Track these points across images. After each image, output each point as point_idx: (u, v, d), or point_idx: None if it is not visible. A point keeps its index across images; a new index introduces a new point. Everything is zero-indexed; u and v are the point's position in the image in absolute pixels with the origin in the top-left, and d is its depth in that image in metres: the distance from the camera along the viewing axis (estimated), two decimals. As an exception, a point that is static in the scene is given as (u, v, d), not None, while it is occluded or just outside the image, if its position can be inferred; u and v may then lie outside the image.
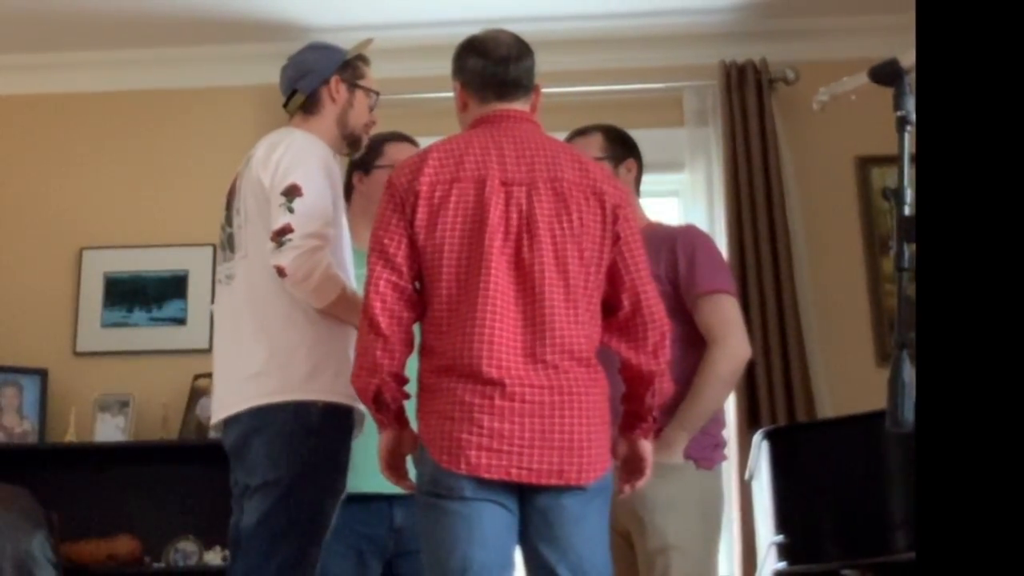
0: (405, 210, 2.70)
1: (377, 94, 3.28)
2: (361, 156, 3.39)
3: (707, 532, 3.34)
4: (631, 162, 3.54)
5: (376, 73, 3.34)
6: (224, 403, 3.02)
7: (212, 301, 5.07)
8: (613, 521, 3.24)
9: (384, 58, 3.34)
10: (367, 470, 2.99)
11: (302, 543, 2.88)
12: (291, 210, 2.88)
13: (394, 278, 2.67)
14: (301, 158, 2.98)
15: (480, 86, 2.86)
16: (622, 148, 3.55)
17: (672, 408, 3.25)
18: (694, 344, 3.34)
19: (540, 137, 2.83)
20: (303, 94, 3.19)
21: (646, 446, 2.90)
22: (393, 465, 2.78)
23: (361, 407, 2.95)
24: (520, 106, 2.87)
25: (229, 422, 2.99)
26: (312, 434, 2.89)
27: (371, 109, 3.27)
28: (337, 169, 3.08)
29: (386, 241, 2.69)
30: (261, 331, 2.96)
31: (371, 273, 2.68)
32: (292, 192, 2.90)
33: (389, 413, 2.70)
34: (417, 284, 2.73)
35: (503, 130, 2.80)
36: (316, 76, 3.19)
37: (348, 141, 3.24)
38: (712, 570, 3.35)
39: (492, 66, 2.84)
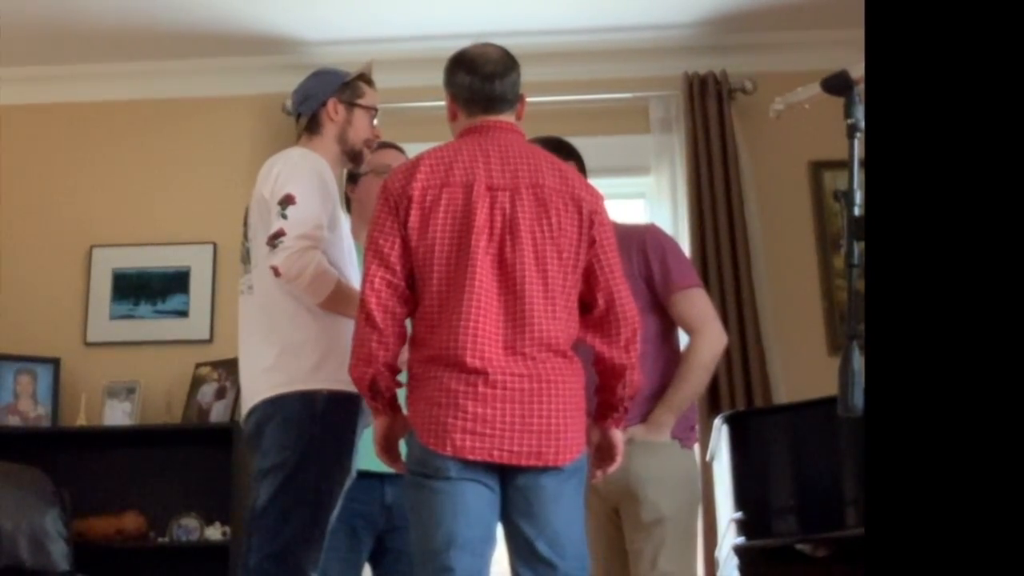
0: (399, 213, 2.71)
1: (375, 110, 3.28)
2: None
3: (692, 504, 3.43)
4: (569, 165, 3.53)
5: (371, 84, 3.33)
6: (246, 398, 3.06)
7: (213, 297, 5.13)
8: (601, 499, 3.28)
9: (377, 69, 3.34)
10: (362, 450, 3.00)
11: (308, 521, 2.88)
12: (285, 216, 2.91)
13: (388, 276, 2.68)
14: (295, 171, 3.01)
15: (468, 101, 2.86)
16: (558, 154, 3.52)
17: (658, 393, 3.35)
18: (669, 336, 3.46)
19: (524, 146, 2.84)
20: (305, 117, 3.21)
21: (617, 435, 2.90)
22: (387, 449, 2.78)
23: None
24: (506, 117, 2.87)
25: (248, 414, 3.02)
26: (317, 420, 2.90)
27: (372, 125, 3.27)
28: (333, 179, 3.09)
29: (381, 241, 2.70)
30: (272, 331, 2.99)
31: (367, 271, 2.70)
32: (286, 201, 2.93)
33: (383, 400, 2.71)
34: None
35: (489, 139, 2.80)
36: (314, 100, 3.21)
37: (349, 157, 3.24)
38: (695, 539, 3.45)
39: (479, 82, 2.84)
